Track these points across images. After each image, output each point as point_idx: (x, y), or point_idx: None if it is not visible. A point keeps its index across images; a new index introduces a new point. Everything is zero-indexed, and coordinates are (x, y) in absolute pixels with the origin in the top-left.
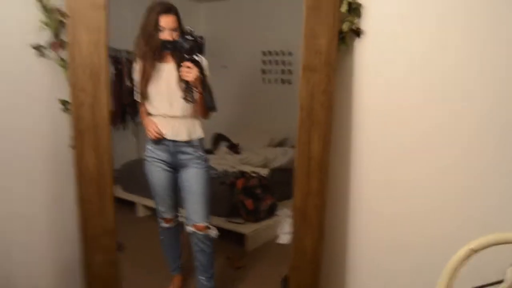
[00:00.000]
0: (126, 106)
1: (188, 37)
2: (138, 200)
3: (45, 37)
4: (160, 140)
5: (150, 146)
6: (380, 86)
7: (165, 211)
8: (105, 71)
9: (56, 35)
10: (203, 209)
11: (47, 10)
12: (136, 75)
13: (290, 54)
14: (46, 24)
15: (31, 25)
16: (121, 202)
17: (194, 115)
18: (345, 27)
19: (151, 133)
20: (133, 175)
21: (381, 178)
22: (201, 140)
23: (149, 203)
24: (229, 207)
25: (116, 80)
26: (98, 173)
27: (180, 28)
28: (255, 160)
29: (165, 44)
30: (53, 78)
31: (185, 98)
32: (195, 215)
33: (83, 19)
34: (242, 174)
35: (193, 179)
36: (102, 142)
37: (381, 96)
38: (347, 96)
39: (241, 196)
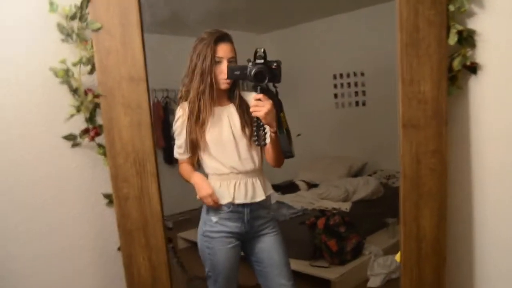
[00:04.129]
0: None
1: (259, 61)
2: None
3: (77, 123)
4: (230, 207)
5: (214, 217)
6: (507, 139)
7: None
8: (152, 157)
9: (91, 119)
10: (291, 283)
11: (78, 93)
12: (181, 125)
13: (362, 74)
14: (78, 108)
15: (59, 112)
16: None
17: (262, 167)
18: (456, 63)
19: (208, 200)
20: None
21: None
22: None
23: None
24: (311, 250)
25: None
26: (153, 279)
27: (235, 60)
28: (335, 194)
29: (232, 71)
30: (93, 170)
31: (256, 140)
32: None
33: (121, 97)
34: (322, 212)
35: (272, 249)
36: (155, 243)
37: (509, 153)
38: (464, 156)
39: (323, 237)
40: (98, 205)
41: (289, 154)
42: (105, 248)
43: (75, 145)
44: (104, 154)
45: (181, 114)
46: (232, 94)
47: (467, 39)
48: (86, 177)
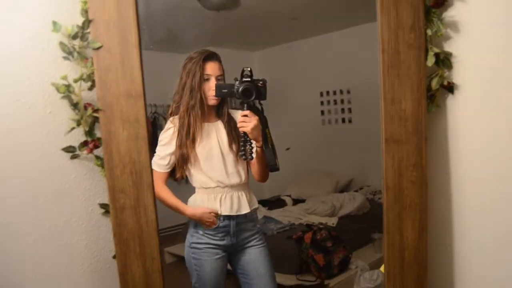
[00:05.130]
0: None
1: (246, 79)
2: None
3: (76, 136)
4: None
5: (200, 231)
6: (486, 153)
7: None
8: (148, 169)
9: (90, 132)
10: None
11: (78, 107)
12: (168, 136)
13: (348, 92)
14: (78, 122)
15: (59, 125)
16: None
17: (248, 181)
18: (434, 83)
19: (207, 222)
20: None
21: (496, 274)
22: (256, 210)
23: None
24: (298, 264)
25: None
26: (147, 287)
27: (223, 79)
28: (322, 209)
29: (220, 89)
30: (90, 180)
31: (243, 155)
32: None
33: (119, 112)
34: (309, 227)
35: (258, 261)
36: (149, 251)
37: (487, 165)
38: (443, 170)
39: (310, 251)
40: (95, 214)
41: (275, 167)
42: (100, 256)
43: (74, 157)
44: (102, 165)
45: (171, 126)
46: (220, 112)
47: (444, 60)
48: (84, 188)
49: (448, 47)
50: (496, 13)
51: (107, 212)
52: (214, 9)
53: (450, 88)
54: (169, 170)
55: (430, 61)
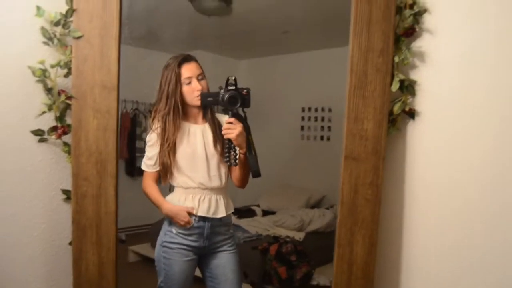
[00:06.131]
0: None
1: (231, 87)
2: None
3: (47, 120)
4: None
5: (174, 230)
6: (439, 178)
7: None
8: (114, 160)
9: (60, 118)
10: None
11: (52, 92)
12: (155, 137)
13: (329, 110)
14: (49, 107)
15: (32, 108)
16: (149, 261)
17: (227, 186)
18: (396, 108)
19: (182, 221)
20: None
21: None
22: (231, 215)
23: None
24: (261, 275)
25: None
26: (100, 276)
27: (204, 76)
28: (290, 222)
29: (205, 98)
30: (55, 165)
31: (227, 161)
32: None
33: (92, 101)
34: (276, 239)
35: (227, 266)
36: (106, 241)
37: (440, 191)
38: (397, 190)
39: (274, 263)
40: (56, 200)
41: (257, 174)
42: (57, 241)
43: (42, 140)
44: (69, 152)
45: (157, 126)
46: (206, 113)
47: (408, 87)
48: (48, 172)
49: (413, 75)
50: (460, 46)
51: (68, 198)
52: (206, 13)
53: (411, 114)
54: (157, 170)
55: (395, 86)
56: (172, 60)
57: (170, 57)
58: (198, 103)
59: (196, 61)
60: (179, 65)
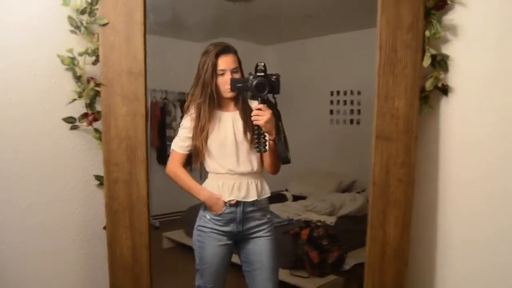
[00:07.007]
0: None
1: (260, 74)
2: None
3: (78, 108)
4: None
5: (207, 215)
6: (473, 156)
7: None
8: (143, 145)
9: (90, 105)
10: None
11: (81, 80)
12: (187, 124)
13: (359, 93)
14: (79, 94)
15: (62, 96)
16: (183, 247)
17: (261, 170)
18: (429, 84)
19: (216, 208)
20: None
21: (477, 271)
22: (267, 200)
23: None
24: (293, 259)
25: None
26: (134, 260)
27: (241, 70)
28: (321, 207)
29: (235, 84)
30: (88, 152)
31: (257, 147)
32: None
33: (120, 88)
34: (307, 223)
35: (263, 253)
36: (139, 225)
37: (475, 168)
38: (431, 169)
39: (306, 248)
40: (89, 185)
41: (287, 160)
42: (91, 226)
43: (73, 127)
44: (100, 138)
45: (192, 112)
46: (238, 102)
47: (440, 63)
48: (81, 159)
49: (445, 49)
50: (495, 19)
51: (101, 184)
52: (231, 0)
53: (444, 90)
54: (188, 152)
55: (426, 62)
56: (212, 48)
57: (209, 44)
58: (229, 95)
59: (235, 53)
60: (217, 55)
